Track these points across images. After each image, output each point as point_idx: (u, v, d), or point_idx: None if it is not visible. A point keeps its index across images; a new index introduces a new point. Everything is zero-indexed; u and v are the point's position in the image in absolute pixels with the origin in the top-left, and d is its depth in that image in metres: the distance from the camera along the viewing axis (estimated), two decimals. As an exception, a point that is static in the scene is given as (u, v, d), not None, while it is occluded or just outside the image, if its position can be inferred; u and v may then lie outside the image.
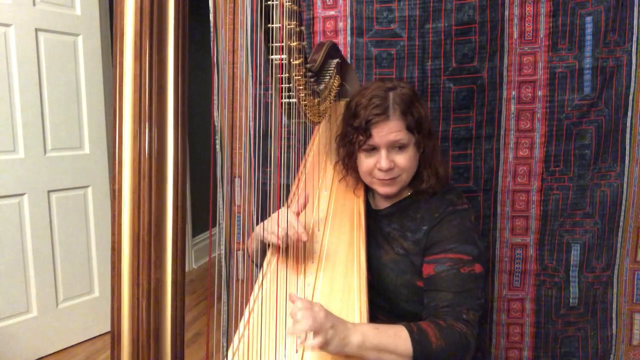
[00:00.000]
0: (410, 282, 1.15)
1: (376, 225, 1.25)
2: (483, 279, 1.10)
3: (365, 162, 1.16)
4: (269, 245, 1.14)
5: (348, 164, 1.23)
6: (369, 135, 1.11)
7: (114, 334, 0.44)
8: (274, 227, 1.07)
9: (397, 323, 0.99)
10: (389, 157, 1.12)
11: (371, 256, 1.19)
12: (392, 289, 1.17)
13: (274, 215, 1.08)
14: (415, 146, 1.13)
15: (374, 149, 1.14)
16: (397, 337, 0.94)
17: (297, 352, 0.94)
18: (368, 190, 1.29)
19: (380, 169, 1.13)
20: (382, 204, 1.27)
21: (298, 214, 1.10)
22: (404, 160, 1.12)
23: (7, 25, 2.17)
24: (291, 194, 1.28)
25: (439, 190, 1.19)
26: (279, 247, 1.07)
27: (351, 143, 1.16)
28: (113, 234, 0.44)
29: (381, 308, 1.20)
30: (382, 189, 1.17)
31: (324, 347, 0.86)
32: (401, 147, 1.12)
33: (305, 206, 1.12)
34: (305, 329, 0.85)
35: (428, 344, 0.94)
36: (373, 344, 0.91)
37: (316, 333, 0.85)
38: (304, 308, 0.87)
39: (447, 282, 1.05)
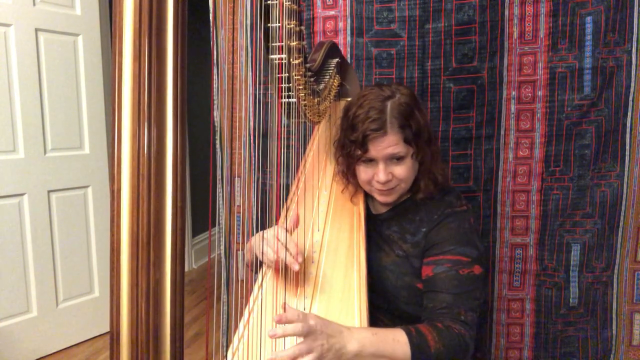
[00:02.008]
0: (410, 285, 1.15)
1: (376, 229, 1.25)
2: (482, 280, 1.09)
3: (364, 173, 1.15)
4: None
5: (347, 173, 1.22)
6: (366, 150, 1.10)
7: (113, 335, 0.44)
8: (266, 248, 1.04)
9: (397, 324, 0.98)
10: (387, 169, 1.11)
11: (371, 259, 1.18)
12: (391, 291, 1.17)
13: (267, 234, 1.05)
14: (413, 156, 1.13)
15: (372, 160, 1.13)
16: (396, 342, 0.93)
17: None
18: (367, 195, 1.29)
19: (378, 182, 1.13)
20: (382, 208, 1.27)
21: (291, 233, 1.08)
22: (402, 171, 1.12)
23: (7, 25, 2.17)
24: (291, 194, 1.28)
25: (437, 194, 1.19)
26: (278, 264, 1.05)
27: (349, 155, 1.15)
28: (112, 235, 0.44)
29: (381, 309, 1.20)
30: (381, 198, 1.18)
31: None
32: (399, 159, 1.12)
33: (296, 226, 1.11)
34: (297, 352, 0.82)
35: (427, 347, 0.94)
36: (371, 351, 0.90)
37: (309, 350, 0.83)
38: (294, 322, 0.83)
39: (446, 284, 1.05)
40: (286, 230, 1.04)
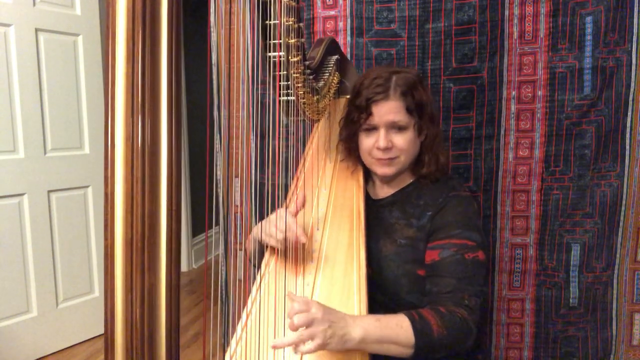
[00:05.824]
0: (411, 272, 1.14)
1: (376, 216, 1.24)
2: (485, 267, 1.10)
3: (365, 142, 1.18)
4: (266, 246, 1.14)
5: (350, 144, 1.24)
6: (369, 114, 1.13)
7: (108, 339, 0.43)
8: (271, 229, 1.07)
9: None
10: (387, 137, 1.14)
11: (371, 249, 1.18)
12: (392, 280, 1.16)
13: (272, 217, 1.08)
14: (415, 129, 1.15)
15: (373, 128, 1.15)
16: (399, 327, 0.93)
17: (295, 354, 0.93)
18: (367, 180, 1.30)
19: (378, 148, 1.14)
20: (383, 192, 1.27)
21: (296, 214, 1.11)
22: (402, 141, 1.14)
23: (7, 25, 2.17)
24: (290, 193, 1.27)
25: (440, 177, 1.20)
26: (278, 249, 1.08)
27: (353, 122, 1.18)
28: (106, 239, 0.43)
29: (381, 304, 1.19)
30: (380, 170, 1.18)
31: (322, 348, 0.85)
32: (400, 128, 1.14)
33: (303, 206, 1.12)
34: (303, 336, 0.84)
35: (430, 332, 0.94)
36: (375, 338, 0.90)
37: (312, 336, 0.84)
38: (300, 311, 0.86)
39: (451, 268, 1.05)
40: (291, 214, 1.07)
